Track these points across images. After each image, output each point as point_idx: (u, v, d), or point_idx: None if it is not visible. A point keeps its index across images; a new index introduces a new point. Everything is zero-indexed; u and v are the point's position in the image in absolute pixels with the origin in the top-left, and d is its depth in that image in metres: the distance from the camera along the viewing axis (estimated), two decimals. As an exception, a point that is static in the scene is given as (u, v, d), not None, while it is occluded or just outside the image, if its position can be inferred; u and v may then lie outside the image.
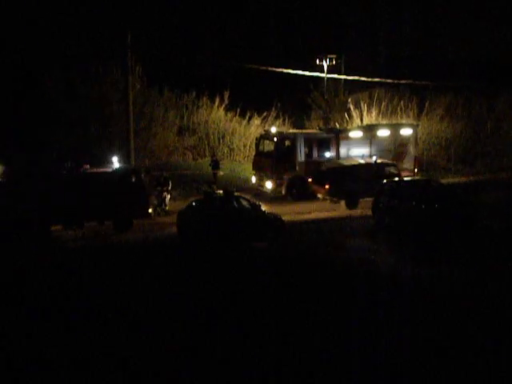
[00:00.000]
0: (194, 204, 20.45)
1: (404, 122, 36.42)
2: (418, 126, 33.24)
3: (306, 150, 28.05)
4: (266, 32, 49.77)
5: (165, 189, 24.33)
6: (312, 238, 20.02)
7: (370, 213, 22.59)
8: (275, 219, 20.22)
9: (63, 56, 33.80)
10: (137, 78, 31.99)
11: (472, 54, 51.19)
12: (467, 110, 41.50)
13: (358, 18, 53.13)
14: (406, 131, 30.63)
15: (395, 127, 30.91)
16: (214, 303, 13.31)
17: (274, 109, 37.86)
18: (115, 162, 22.49)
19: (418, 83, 39.41)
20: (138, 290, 14.26)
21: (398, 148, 29.94)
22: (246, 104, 36.53)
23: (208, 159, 32.94)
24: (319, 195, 25.82)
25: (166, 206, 24.31)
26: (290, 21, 51.13)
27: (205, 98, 36.31)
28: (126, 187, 21.35)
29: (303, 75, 36.70)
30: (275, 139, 27.85)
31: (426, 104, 39.88)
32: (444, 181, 28.98)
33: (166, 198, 24.35)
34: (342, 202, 25.23)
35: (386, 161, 26.93)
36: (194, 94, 36.14)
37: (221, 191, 21.49)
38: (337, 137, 28.93)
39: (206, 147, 35.71)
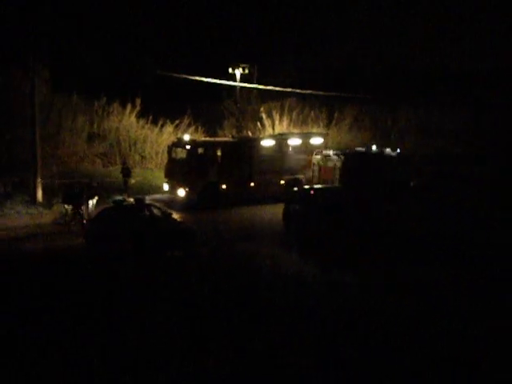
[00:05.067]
0: (103, 213, 19.92)
1: (314, 131, 37.40)
2: (327, 135, 34.18)
3: (219, 158, 28.15)
4: (179, 39, 49.60)
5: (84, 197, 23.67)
6: (223, 245, 20.05)
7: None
8: (187, 227, 20.08)
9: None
10: (43, 82, 30.85)
11: (379, 67, 53.50)
12: (373, 121, 43.31)
13: (272, 28, 54.17)
14: (316, 140, 31.40)
15: (306, 136, 31.63)
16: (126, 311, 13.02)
17: (186, 116, 37.76)
18: None
19: (328, 94, 40.62)
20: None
21: (308, 156, 30.62)
22: (158, 111, 36.21)
23: (119, 167, 32.30)
24: None
25: (75, 214, 23.60)
26: (204, 28, 51.27)
27: (116, 104, 35.66)
28: None
29: (216, 83, 36.86)
30: (188, 147, 27.74)
31: (335, 114, 41.22)
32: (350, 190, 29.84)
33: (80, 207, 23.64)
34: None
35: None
36: (104, 99, 35.39)
37: (131, 199, 21.10)
38: (250, 145, 29.27)
39: (117, 154, 35.01)
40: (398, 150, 30.63)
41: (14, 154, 28.60)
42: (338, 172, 27.66)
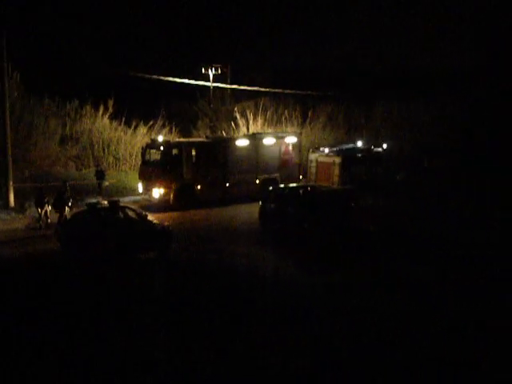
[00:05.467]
0: (77, 216, 19.73)
1: (288, 130, 37.55)
2: (301, 134, 34.36)
3: (193, 158, 28.09)
4: (152, 39, 49.36)
5: (46, 200, 23.39)
6: (200, 245, 20.05)
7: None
8: (163, 229, 19.99)
9: None
10: (14, 85, 30.43)
11: (354, 65, 53.95)
12: (347, 118, 43.59)
13: (246, 28, 54.26)
14: (291, 139, 31.54)
15: (280, 135, 31.76)
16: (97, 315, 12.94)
17: (160, 117, 37.59)
18: None
19: (301, 93, 40.82)
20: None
21: (283, 155, 30.78)
22: (131, 113, 35.99)
23: (93, 169, 32.03)
24: None
25: (48, 219, 23.36)
26: (177, 29, 51.12)
27: (88, 107, 35.33)
28: None
29: (189, 84, 36.77)
30: (162, 148, 27.63)
31: (309, 113, 41.39)
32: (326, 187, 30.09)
33: (47, 210, 23.38)
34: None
35: None
36: (76, 102, 35.04)
37: (106, 202, 20.92)
38: (224, 145, 29.28)
39: (91, 157, 34.70)
40: (385, 146, 31.87)
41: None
42: (337, 168, 28.86)
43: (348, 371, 10.40)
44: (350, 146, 31.75)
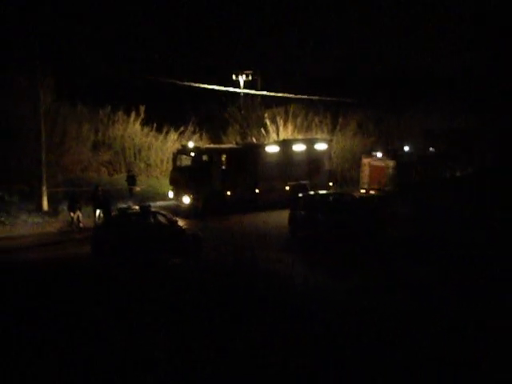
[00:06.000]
0: (109, 221, 19.98)
1: (319, 136, 37.43)
2: (331, 140, 34.25)
3: (224, 164, 28.17)
4: (183, 46, 49.77)
5: (78, 205, 23.73)
6: (229, 251, 20.02)
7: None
8: (193, 234, 20.09)
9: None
10: (48, 91, 30.94)
11: (384, 72, 53.50)
12: (378, 126, 43.27)
13: (277, 34, 54.33)
14: (321, 146, 31.43)
15: (310, 142, 31.67)
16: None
17: (190, 124, 37.83)
18: None
19: (331, 99, 40.63)
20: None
21: (312, 162, 30.69)
22: (162, 119, 36.31)
23: (124, 175, 32.37)
24: None
25: (80, 223, 23.69)
26: (208, 36, 51.43)
27: (120, 113, 35.77)
28: None
29: (220, 90, 36.94)
30: (192, 154, 27.78)
31: (340, 120, 41.20)
32: (357, 194, 29.94)
33: (79, 215, 23.71)
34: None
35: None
36: (109, 108, 35.51)
37: (137, 207, 21.13)
38: (254, 151, 29.31)
39: (122, 162, 35.10)
40: (432, 149, 32.91)
41: (18, 162, 28.64)
42: (391, 171, 29.81)
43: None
44: (404, 149, 32.70)
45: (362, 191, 31.27)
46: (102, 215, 23.28)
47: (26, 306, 13.90)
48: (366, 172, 31.20)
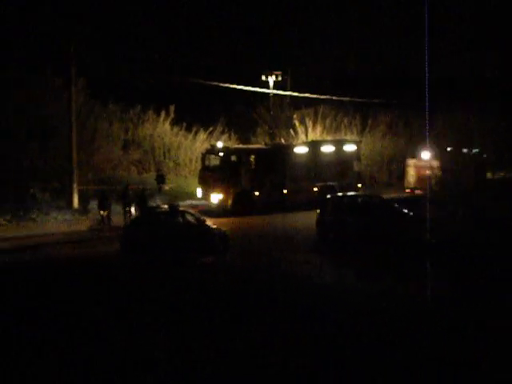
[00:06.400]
0: (138, 219, 20.18)
1: (348, 138, 37.23)
2: (360, 142, 34.04)
3: (252, 165, 28.22)
4: (212, 46, 49.94)
5: (109, 203, 24.03)
6: (256, 251, 20.06)
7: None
8: (221, 234, 20.16)
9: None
10: (80, 90, 31.38)
11: (414, 72, 52.82)
12: (408, 127, 42.81)
13: (305, 35, 54.16)
14: (350, 147, 31.25)
15: (339, 143, 31.51)
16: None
17: (219, 124, 37.98)
18: None
19: (361, 100, 40.37)
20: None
21: (341, 164, 30.53)
22: (191, 118, 36.52)
23: (153, 174, 32.65)
24: None
25: (110, 221, 23.97)
26: (238, 36, 51.56)
27: (150, 112, 36.09)
28: None
29: (249, 90, 37.00)
30: (221, 154, 27.89)
31: (369, 121, 40.90)
32: (385, 196, 29.68)
33: (109, 213, 24.00)
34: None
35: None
36: (139, 107, 35.85)
37: (166, 206, 21.29)
38: (283, 152, 29.29)
39: (152, 161, 35.41)
40: (477, 150, 33.26)
41: (50, 160, 29.12)
42: (436, 172, 30.65)
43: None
44: (449, 150, 33.13)
45: (407, 191, 31.83)
46: (136, 212, 23.62)
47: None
48: (411, 172, 31.96)
